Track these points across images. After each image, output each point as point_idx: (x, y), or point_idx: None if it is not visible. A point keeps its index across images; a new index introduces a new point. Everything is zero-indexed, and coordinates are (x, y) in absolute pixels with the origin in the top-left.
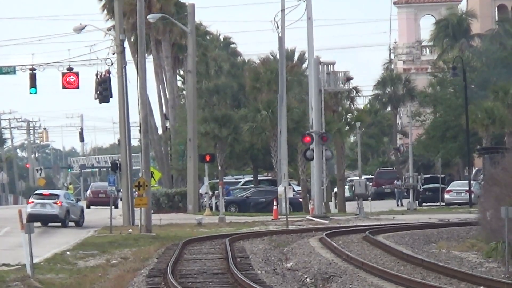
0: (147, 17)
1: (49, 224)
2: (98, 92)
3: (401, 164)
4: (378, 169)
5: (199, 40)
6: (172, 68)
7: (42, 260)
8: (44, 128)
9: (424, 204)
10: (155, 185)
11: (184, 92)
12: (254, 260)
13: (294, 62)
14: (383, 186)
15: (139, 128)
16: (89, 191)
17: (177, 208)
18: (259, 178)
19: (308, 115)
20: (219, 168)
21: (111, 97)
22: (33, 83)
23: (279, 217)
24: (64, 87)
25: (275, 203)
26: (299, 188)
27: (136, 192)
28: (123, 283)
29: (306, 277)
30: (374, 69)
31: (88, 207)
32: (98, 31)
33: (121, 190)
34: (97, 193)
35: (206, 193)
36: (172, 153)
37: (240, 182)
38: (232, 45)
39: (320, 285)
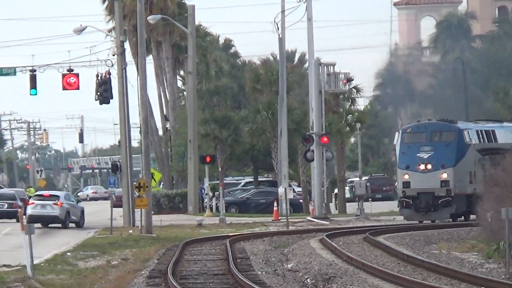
0: (148, 18)
1: (50, 225)
2: (98, 93)
3: None
4: (370, 175)
5: (199, 41)
6: (172, 69)
7: (43, 261)
8: (44, 129)
9: None
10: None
11: (185, 93)
12: (255, 261)
13: (294, 63)
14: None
15: (139, 129)
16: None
17: (178, 209)
18: (259, 179)
19: (309, 116)
20: (220, 169)
21: (112, 98)
22: (33, 84)
23: (279, 218)
24: (64, 88)
25: (275, 204)
26: (300, 189)
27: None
28: (123, 284)
29: (307, 278)
30: (375, 70)
31: None
32: (98, 32)
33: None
34: (120, 198)
35: (206, 194)
36: (173, 154)
37: (240, 183)
38: (232, 47)
39: (321, 286)
